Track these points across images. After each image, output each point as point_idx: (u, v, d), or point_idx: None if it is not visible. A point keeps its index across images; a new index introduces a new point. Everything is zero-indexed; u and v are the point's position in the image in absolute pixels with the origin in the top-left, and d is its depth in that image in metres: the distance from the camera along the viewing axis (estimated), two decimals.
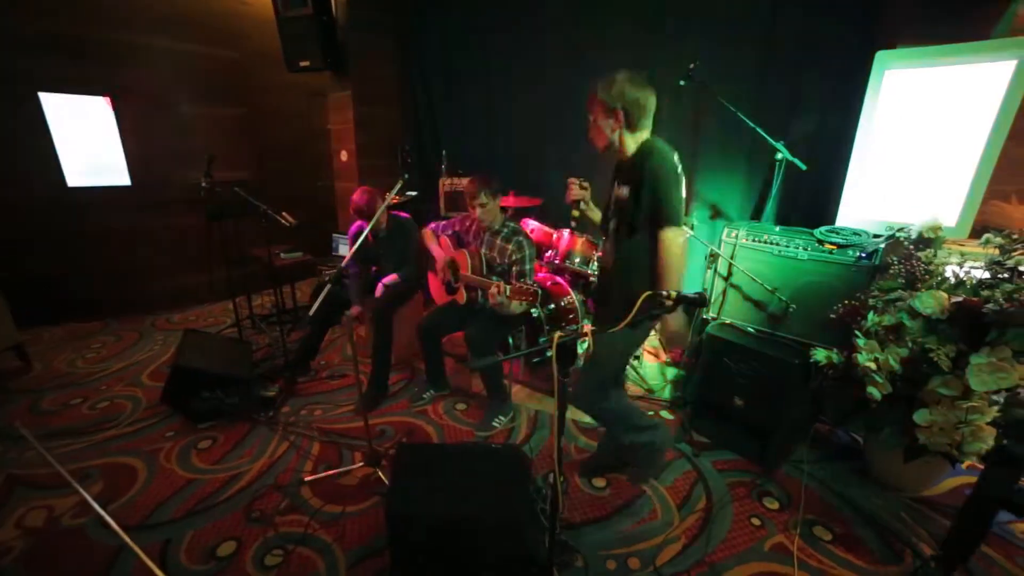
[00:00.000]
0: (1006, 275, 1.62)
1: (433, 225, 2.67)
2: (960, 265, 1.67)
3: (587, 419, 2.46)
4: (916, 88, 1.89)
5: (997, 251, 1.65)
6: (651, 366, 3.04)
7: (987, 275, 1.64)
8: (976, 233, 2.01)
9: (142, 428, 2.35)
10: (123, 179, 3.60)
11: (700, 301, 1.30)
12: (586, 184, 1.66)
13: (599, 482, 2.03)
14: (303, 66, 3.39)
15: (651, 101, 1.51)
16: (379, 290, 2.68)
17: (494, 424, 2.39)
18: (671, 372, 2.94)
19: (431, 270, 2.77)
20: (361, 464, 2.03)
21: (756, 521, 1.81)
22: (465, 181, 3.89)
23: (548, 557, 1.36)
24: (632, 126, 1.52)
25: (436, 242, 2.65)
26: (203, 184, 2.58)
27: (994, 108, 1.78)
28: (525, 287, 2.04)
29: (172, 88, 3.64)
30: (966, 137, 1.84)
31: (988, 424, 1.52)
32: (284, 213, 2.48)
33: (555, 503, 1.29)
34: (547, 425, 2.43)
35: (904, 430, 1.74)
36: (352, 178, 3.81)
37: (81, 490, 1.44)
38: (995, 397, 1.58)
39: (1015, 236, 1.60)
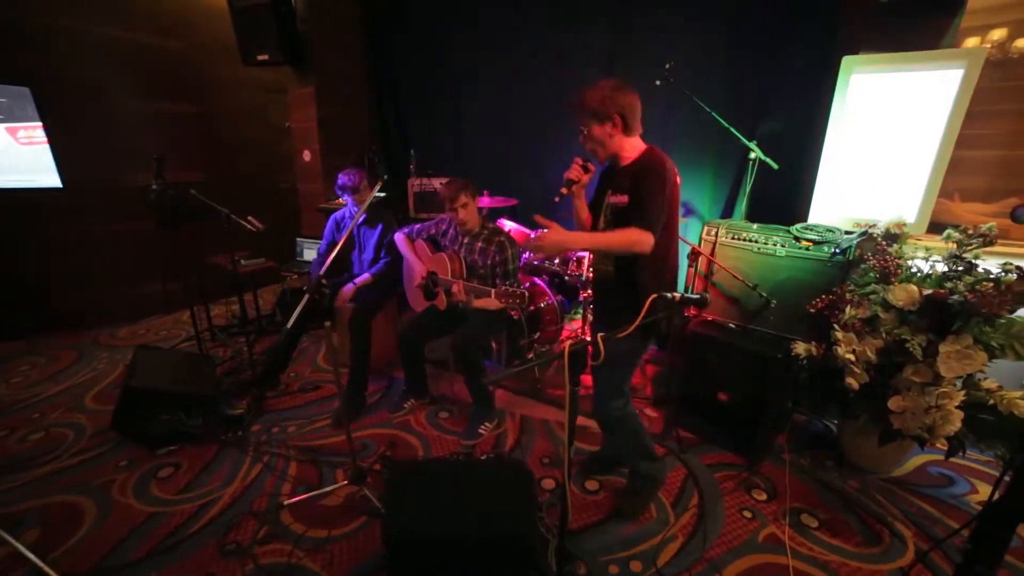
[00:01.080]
0: (962, 268, 1.74)
1: (407, 229, 2.57)
2: (926, 259, 1.77)
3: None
4: (879, 91, 2.00)
5: (955, 245, 1.76)
6: None
7: (947, 268, 1.75)
8: (931, 229, 2.16)
9: (88, 459, 2.11)
10: (51, 180, 3.23)
11: (701, 302, 1.31)
12: (591, 168, 1.60)
13: (591, 485, 2.01)
14: (261, 60, 3.18)
15: (638, 102, 1.51)
16: (349, 289, 2.55)
17: (480, 431, 2.33)
18: (647, 369, 2.98)
19: (405, 277, 2.68)
20: (345, 483, 1.91)
21: (747, 514, 1.86)
22: (436, 182, 3.82)
23: (557, 572, 1.32)
24: (629, 129, 1.51)
25: (411, 247, 2.55)
26: (153, 187, 2.35)
27: (945, 112, 1.92)
28: (513, 291, 1.99)
29: (108, 80, 3.30)
30: (923, 138, 1.98)
31: (956, 407, 1.62)
32: (250, 217, 2.30)
33: (564, 514, 1.25)
34: (534, 429, 2.39)
35: (879, 416, 1.83)
36: (316, 179, 3.63)
37: (8, 538, 1.24)
38: (956, 382, 1.70)
39: (970, 232, 1.71)
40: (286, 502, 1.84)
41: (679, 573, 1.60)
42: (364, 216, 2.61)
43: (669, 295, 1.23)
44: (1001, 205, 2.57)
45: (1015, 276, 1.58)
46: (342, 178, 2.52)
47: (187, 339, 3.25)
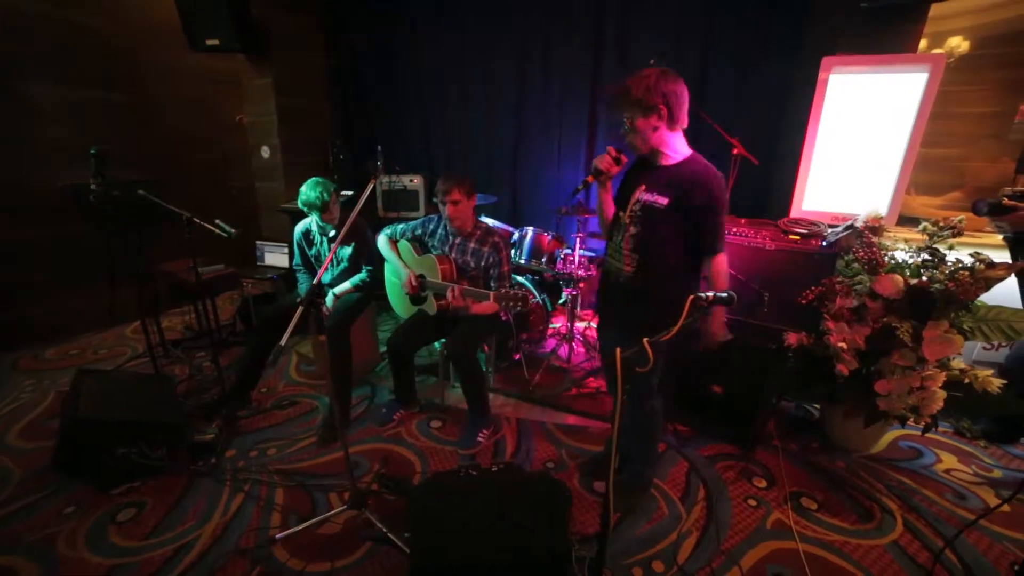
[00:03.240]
0: (933, 258, 1.88)
1: (389, 229, 2.41)
2: (907, 251, 1.89)
3: (570, 421, 2.43)
4: (854, 91, 2.12)
5: (928, 237, 1.89)
6: None
7: (923, 258, 1.88)
8: (900, 221, 2.32)
9: (20, 509, 1.79)
10: None
11: (729, 301, 1.30)
12: (623, 160, 1.52)
13: (600, 486, 1.99)
14: (211, 45, 2.86)
15: (686, 91, 1.44)
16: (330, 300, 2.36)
17: (478, 439, 2.24)
18: None
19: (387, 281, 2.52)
20: (343, 508, 1.76)
21: (752, 502, 1.91)
22: (405, 179, 3.65)
23: None
24: (674, 121, 1.45)
25: (395, 249, 2.40)
26: (93, 186, 2.04)
27: (912, 112, 2.06)
28: (514, 293, 1.92)
29: (14, 61, 2.82)
30: (893, 136, 2.11)
31: (939, 388, 1.74)
32: (218, 221, 2.06)
33: (604, 536, 1.20)
34: (532, 433, 2.34)
35: (865, 400, 1.95)
36: (276, 177, 3.35)
37: None
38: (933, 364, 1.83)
39: (941, 224, 1.85)
40: (278, 535, 1.67)
41: (700, 569, 1.61)
42: (333, 233, 2.38)
43: (704, 295, 1.21)
44: (946, 198, 2.83)
45: (984, 265, 1.71)
46: (306, 193, 2.23)
47: (134, 357, 2.89)
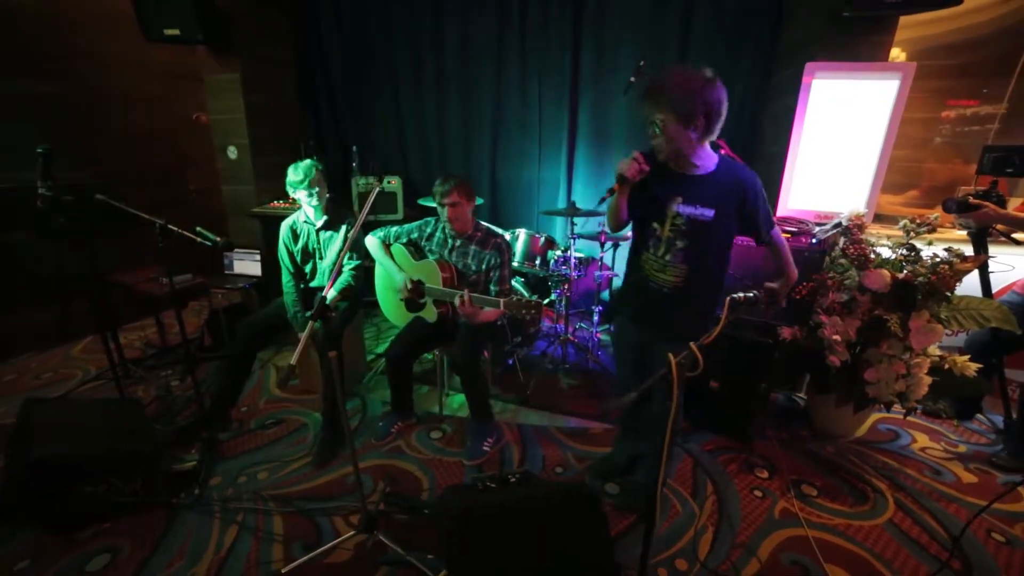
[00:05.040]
0: (911, 253, 2.01)
1: (381, 232, 2.30)
2: (890, 247, 2.02)
3: (572, 424, 2.42)
4: (834, 95, 2.24)
5: (904, 234, 2.03)
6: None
7: (902, 253, 2.01)
8: (874, 219, 2.47)
9: None
10: None
11: (756, 301, 1.32)
12: (647, 170, 1.44)
13: (612, 488, 1.99)
14: (170, 35, 2.60)
15: (725, 101, 1.37)
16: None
17: (484, 448, 2.18)
18: None
19: (379, 286, 2.41)
20: (354, 532, 1.65)
21: (758, 493, 1.97)
22: (375, 181, 3.50)
23: None
24: (710, 134, 1.41)
25: (388, 253, 2.30)
26: (41, 190, 1.80)
27: (886, 115, 2.21)
28: (526, 301, 1.88)
29: None
30: (871, 138, 2.26)
31: (925, 374, 1.87)
32: (200, 229, 1.86)
33: (645, 556, 1.19)
34: (535, 438, 2.30)
35: (853, 388, 2.06)
36: (245, 179, 3.11)
37: None
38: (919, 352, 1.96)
39: (919, 221, 1.98)
40: (284, 569, 1.53)
41: (721, 564, 1.64)
42: (324, 219, 2.26)
43: (737, 295, 1.22)
44: (905, 197, 3.07)
45: (959, 259, 1.86)
46: (295, 172, 2.14)
47: (87, 380, 2.59)
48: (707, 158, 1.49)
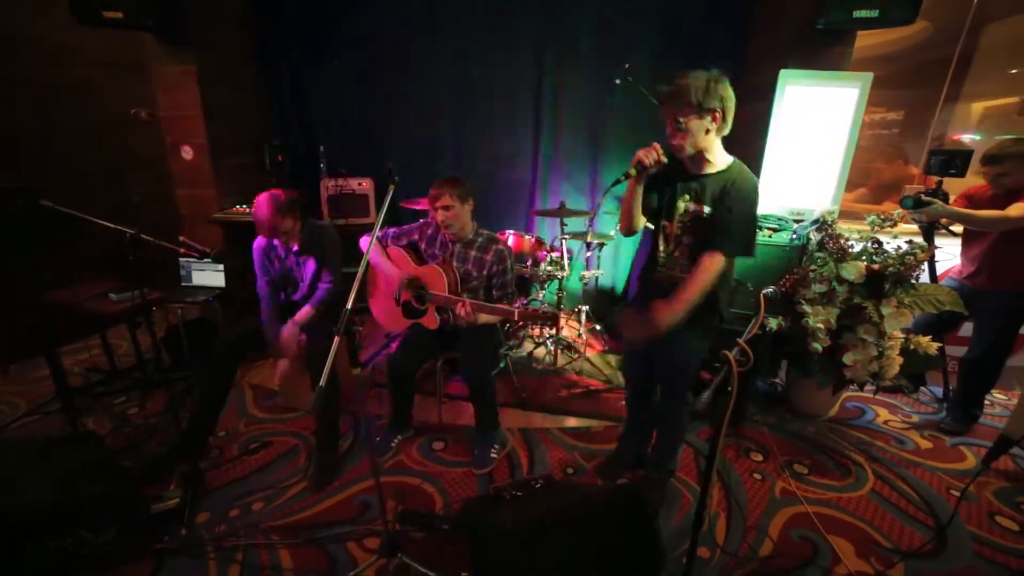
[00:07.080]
0: (878, 246, 2.21)
1: (380, 234, 2.18)
2: (861, 241, 2.20)
3: (572, 424, 2.43)
4: (806, 101, 2.42)
5: (870, 228, 2.22)
6: (594, 356, 3.16)
7: (870, 245, 2.21)
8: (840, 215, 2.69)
9: None
10: None
11: (774, 296, 1.39)
12: (663, 162, 1.47)
13: (621, 483, 2.01)
14: (111, 18, 2.30)
15: (734, 99, 1.45)
16: (290, 330, 2.03)
17: (492, 456, 2.13)
18: (613, 359, 3.11)
19: (372, 290, 2.29)
20: (376, 558, 1.55)
21: (758, 476, 2.08)
22: (353, 182, 3.33)
23: None
24: (726, 126, 1.47)
25: (384, 255, 2.19)
26: None
27: (849, 121, 2.42)
28: (542, 312, 1.86)
29: None
30: (836, 141, 2.46)
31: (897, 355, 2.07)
32: (183, 238, 1.66)
33: (692, 558, 1.21)
34: (539, 441, 2.29)
35: (833, 371, 2.23)
36: (203, 183, 2.82)
37: None
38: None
39: (884, 216, 2.18)
40: None
41: (739, 547, 1.71)
42: (298, 246, 2.09)
43: (768, 291, 1.28)
44: (856, 194, 3.38)
45: (921, 250, 2.07)
46: (258, 212, 1.90)
47: (18, 417, 2.24)
48: (720, 156, 1.55)
